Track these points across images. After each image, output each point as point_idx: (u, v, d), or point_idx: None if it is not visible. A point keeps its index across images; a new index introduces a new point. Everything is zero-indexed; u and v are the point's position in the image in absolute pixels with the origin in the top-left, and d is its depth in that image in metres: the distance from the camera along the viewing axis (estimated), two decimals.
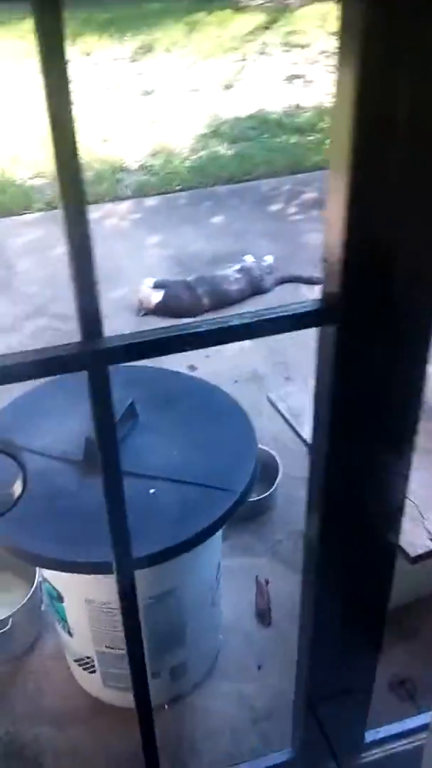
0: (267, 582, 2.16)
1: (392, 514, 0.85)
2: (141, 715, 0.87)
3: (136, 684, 0.84)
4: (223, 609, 1.95)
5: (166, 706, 1.84)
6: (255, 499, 2.33)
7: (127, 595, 0.77)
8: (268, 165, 4.98)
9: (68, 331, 3.51)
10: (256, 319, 0.57)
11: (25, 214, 4.64)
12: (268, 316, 0.58)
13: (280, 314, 0.59)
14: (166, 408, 1.67)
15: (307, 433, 1.81)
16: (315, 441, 0.76)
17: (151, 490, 1.45)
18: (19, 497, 0.59)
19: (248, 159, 5.07)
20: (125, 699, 1.80)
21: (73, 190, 0.49)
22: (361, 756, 1.02)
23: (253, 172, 4.93)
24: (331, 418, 0.72)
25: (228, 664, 1.95)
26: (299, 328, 0.63)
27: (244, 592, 2.14)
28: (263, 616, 2.07)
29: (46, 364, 0.56)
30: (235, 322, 0.57)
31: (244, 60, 6.86)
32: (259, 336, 0.62)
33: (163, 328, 0.60)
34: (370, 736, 1.03)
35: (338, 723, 1.02)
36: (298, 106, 5.89)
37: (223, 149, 5.30)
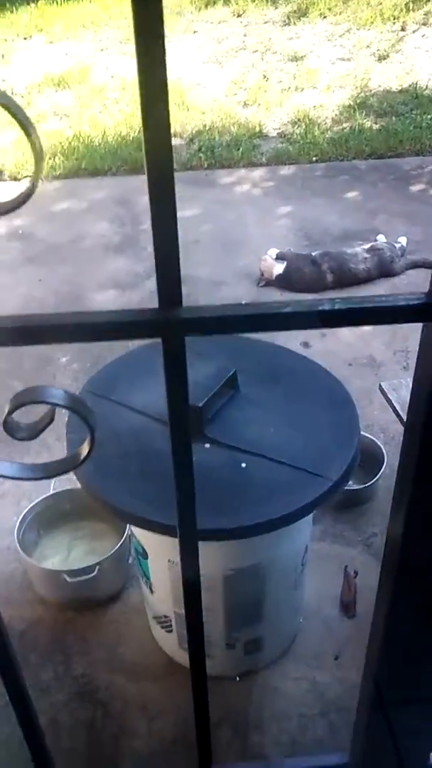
0: (356, 573, 2.11)
1: None
2: (195, 687, 0.86)
3: (193, 655, 0.83)
4: (307, 593, 1.93)
5: (237, 678, 1.84)
6: (355, 488, 2.28)
7: (191, 565, 0.75)
8: (414, 142, 4.76)
9: (186, 294, 3.54)
10: (348, 306, 0.52)
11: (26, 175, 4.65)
12: (362, 305, 0.53)
13: (377, 305, 0.53)
14: (269, 383, 1.64)
15: None
16: (408, 438, 0.70)
17: (243, 464, 1.43)
18: (85, 458, 0.58)
19: (394, 135, 4.86)
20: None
21: (160, 153, 0.46)
22: None
23: (397, 149, 4.73)
24: (425, 423, 0.66)
25: (305, 649, 1.92)
26: (398, 322, 0.57)
27: (331, 580, 2.09)
28: (348, 607, 2.02)
29: (120, 326, 0.54)
30: (326, 307, 0.52)
31: (403, 30, 6.54)
32: (351, 326, 0.56)
33: (247, 305, 0.57)
34: None
35: (406, 734, 0.97)
36: None
37: (369, 122, 5.11)
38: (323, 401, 1.58)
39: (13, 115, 0.44)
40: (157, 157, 0.47)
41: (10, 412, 0.54)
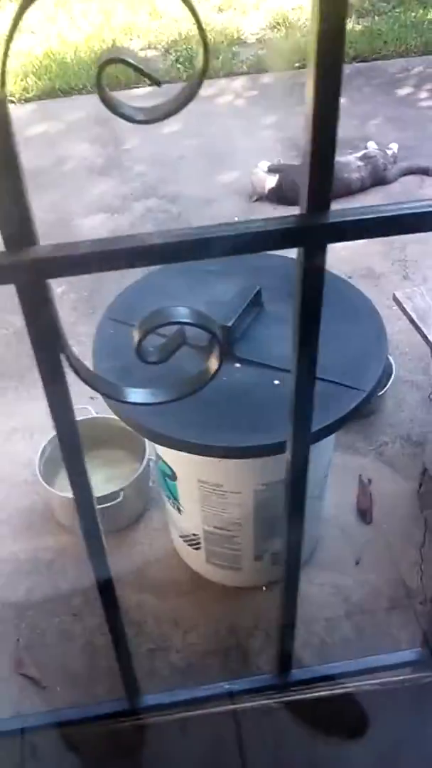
0: (370, 482, 2.15)
1: None
2: (287, 592, 0.87)
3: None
4: (325, 502, 1.96)
5: (263, 588, 1.90)
6: None
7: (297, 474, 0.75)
8: (399, 43, 4.58)
9: (178, 213, 3.46)
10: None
11: (135, 88, 4.48)
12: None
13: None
14: (293, 299, 1.61)
15: None
16: None
17: (276, 381, 1.43)
18: (216, 372, 0.57)
19: (378, 35, 4.68)
20: (226, 576, 1.87)
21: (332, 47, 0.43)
22: None
23: (382, 51, 4.56)
24: None
25: (326, 556, 1.98)
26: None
27: (347, 489, 2.13)
28: (365, 514, 2.07)
29: (265, 236, 0.51)
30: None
31: None
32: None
33: (392, 205, 0.53)
34: None
35: None
36: None
37: (350, 23, 4.89)
38: (348, 313, 1.56)
39: None
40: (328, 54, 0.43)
41: (141, 339, 0.52)
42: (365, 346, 1.49)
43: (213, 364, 0.57)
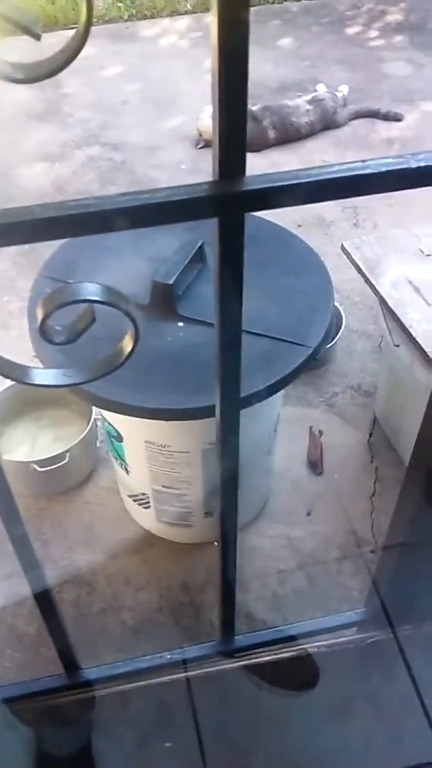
0: (320, 433, 2.14)
1: None
2: (224, 553, 0.85)
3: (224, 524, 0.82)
4: (275, 456, 1.96)
5: (215, 543, 1.89)
6: None
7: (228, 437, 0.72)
8: None
9: (121, 161, 3.34)
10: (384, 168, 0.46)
11: (74, 27, 4.25)
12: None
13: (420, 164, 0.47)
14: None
15: (382, 285, 1.69)
16: None
17: None
18: (129, 354, 0.53)
19: None
20: (177, 534, 1.86)
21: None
22: None
23: None
24: None
25: (277, 508, 1.98)
26: None
27: (297, 441, 2.13)
28: (315, 465, 2.07)
29: (175, 206, 0.47)
30: (414, 164, 0.45)
31: None
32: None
33: (314, 169, 0.49)
34: None
35: (416, 585, 1.00)
36: None
37: None
38: (294, 267, 1.52)
39: None
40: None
41: (45, 318, 0.47)
42: (311, 301, 1.45)
43: (127, 344, 0.53)
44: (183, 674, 0.93)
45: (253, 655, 0.94)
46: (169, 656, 0.99)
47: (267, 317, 1.42)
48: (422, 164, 0.45)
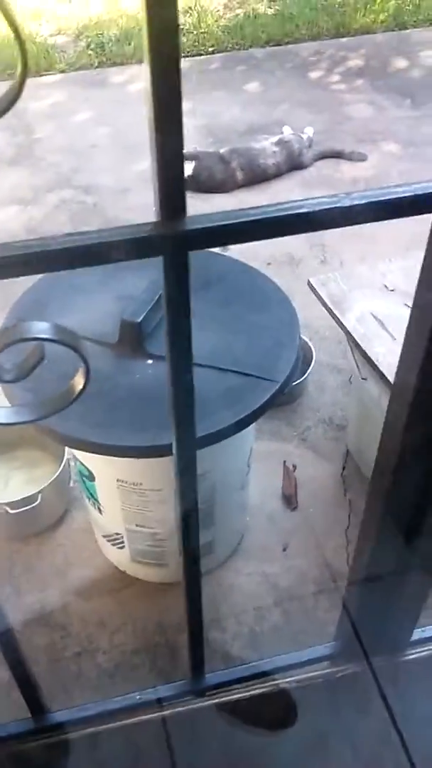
0: (294, 467, 2.15)
1: None
2: (189, 591, 0.85)
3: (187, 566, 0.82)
4: (249, 491, 1.96)
5: None
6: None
7: (186, 472, 0.72)
8: (310, 26, 4.60)
9: (93, 204, 3.38)
10: (371, 200, 0.48)
11: (45, 75, 4.35)
12: (374, 199, 0.49)
13: (400, 195, 0.49)
14: (203, 291, 1.58)
15: (348, 320, 1.73)
16: (405, 349, 0.68)
17: None
18: (81, 392, 0.53)
19: (289, 19, 4.68)
20: (152, 573, 1.84)
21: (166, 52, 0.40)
22: (405, 653, 1.02)
23: (294, 34, 4.56)
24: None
25: (253, 544, 1.97)
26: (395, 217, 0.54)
27: (271, 476, 2.14)
28: (290, 499, 2.07)
29: (116, 246, 0.48)
30: (344, 203, 0.47)
31: None
32: (376, 221, 0.52)
33: (257, 208, 0.51)
34: (416, 634, 1.02)
35: (390, 616, 1.00)
36: None
37: (262, 7, 4.88)
38: (260, 303, 1.55)
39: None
40: (161, 35, 0.40)
41: None
42: (277, 337, 1.48)
43: (78, 381, 0.54)
44: (155, 714, 0.92)
45: (225, 693, 0.93)
46: (139, 696, 0.97)
47: (234, 353, 1.44)
48: (355, 203, 0.47)
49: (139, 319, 1.41)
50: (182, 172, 0.44)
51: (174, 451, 0.68)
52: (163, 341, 1.48)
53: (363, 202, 0.48)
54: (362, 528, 0.92)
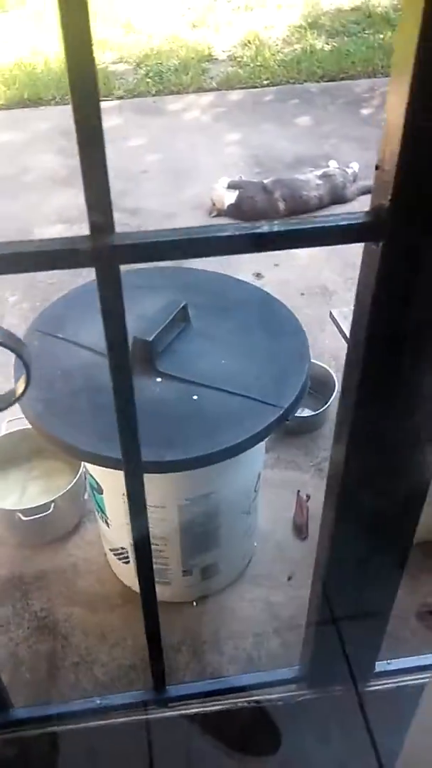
0: (308, 497, 2.15)
1: (426, 443, 0.81)
2: (146, 611, 0.88)
3: (141, 577, 0.84)
4: (261, 519, 1.97)
5: (194, 603, 1.89)
6: (307, 415, 2.31)
7: (135, 496, 0.75)
8: (366, 64, 4.65)
9: (137, 226, 3.47)
10: (287, 228, 0.52)
11: (103, 100, 4.48)
12: (299, 227, 0.52)
13: (315, 225, 0.53)
14: (220, 315, 1.62)
15: None
16: (349, 358, 0.71)
17: (194, 396, 1.43)
18: (21, 395, 0.57)
19: (346, 56, 4.75)
20: (156, 591, 1.86)
21: (82, 65, 0.44)
22: (369, 683, 1.02)
23: (350, 71, 4.62)
24: (367, 341, 0.66)
25: (259, 571, 1.98)
26: (339, 243, 0.57)
27: (284, 504, 2.14)
28: (300, 529, 2.07)
29: (50, 256, 0.52)
30: (264, 229, 0.51)
31: None
32: (291, 248, 0.56)
33: (178, 229, 0.55)
34: (380, 666, 1.03)
35: (351, 647, 1.01)
36: None
37: (320, 43, 4.96)
38: (274, 331, 1.58)
39: None
40: (79, 69, 0.44)
41: None
42: (287, 364, 1.50)
43: (20, 386, 0.58)
44: (111, 720, 0.94)
45: (185, 707, 0.95)
46: (99, 701, 1.00)
47: (243, 377, 1.47)
48: (265, 230, 0.50)
49: (151, 338, 1.45)
50: (108, 193, 0.49)
51: (124, 466, 0.71)
52: (174, 361, 1.52)
53: (283, 229, 0.51)
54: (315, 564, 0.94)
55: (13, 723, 0.93)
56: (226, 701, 0.96)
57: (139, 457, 0.69)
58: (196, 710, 0.94)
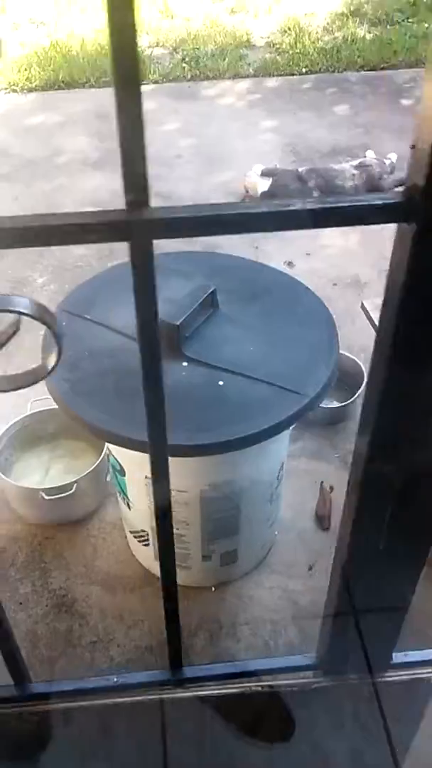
0: (331, 488, 2.14)
1: None
2: (165, 589, 0.87)
3: (163, 560, 0.84)
4: (283, 508, 1.96)
5: (213, 588, 1.89)
6: (335, 406, 2.29)
7: (160, 479, 0.74)
8: (409, 53, 4.57)
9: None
10: (319, 206, 0.50)
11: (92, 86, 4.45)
12: (335, 205, 0.51)
13: (349, 204, 0.51)
14: (250, 302, 1.61)
15: None
16: (378, 348, 0.70)
17: (220, 382, 1.42)
18: (52, 369, 0.57)
19: (388, 45, 4.67)
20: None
21: (124, 37, 0.43)
22: (385, 674, 1.01)
23: (391, 60, 4.55)
24: (397, 325, 0.65)
25: (279, 560, 1.97)
26: (372, 223, 0.55)
27: (307, 494, 2.13)
28: (322, 520, 2.06)
29: (84, 228, 0.52)
30: (297, 207, 0.50)
31: None
32: (324, 227, 0.54)
33: (214, 204, 0.54)
34: (398, 657, 1.01)
35: (369, 637, 1.00)
36: None
37: (362, 32, 4.89)
38: (303, 320, 1.56)
39: None
40: (121, 43, 0.43)
41: None
42: (315, 353, 1.48)
43: (51, 360, 0.57)
44: (127, 699, 0.94)
45: (198, 688, 0.94)
46: (116, 679, 1.00)
47: (269, 365, 1.45)
48: (299, 207, 0.49)
49: (178, 322, 1.44)
50: (145, 168, 0.47)
51: (149, 448, 0.70)
52: (201, 346, 1.51)
53: (317, 207, 0.49)
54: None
55: (31, 697, 0.93)
56: (241, 685, 0.96)
57: (164, 440, 0.68)
58: (212, 692, 0.94)
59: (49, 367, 0.57)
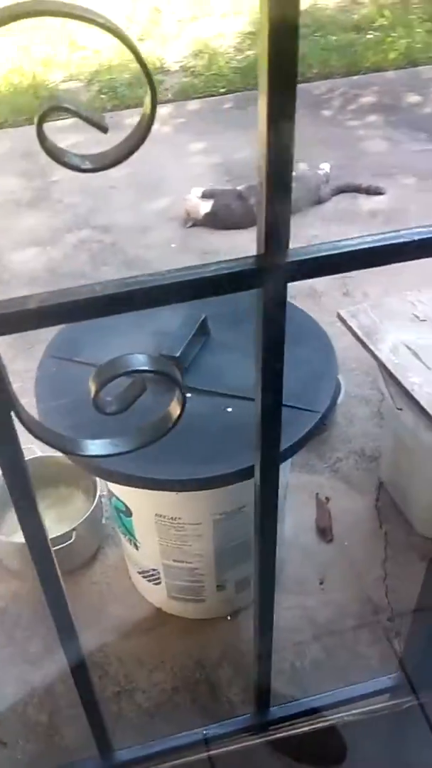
0: (327, 499, 2.14)
1: None
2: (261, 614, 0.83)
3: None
4: (285, 524, 1.94)
5: (228, 617, 1.85)
6: None
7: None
8: (321, 66, 4.69)
9: (112, 243, 3.43)
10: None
11: (59, 119, 4.40)
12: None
13: None
14: (239, 325, 1.59)
15: (381, 350, 1.73)
16: None
17: (228, 409, 1.40)
18: (177, 420, 0.54)
19: (301, 59, 4.76)
20: (189, 609, 1.82)
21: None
22: None
23: (306, 74, 4.65)
24: None
25: (289, 578, 1.95)
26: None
27: (304, 508, 2.12)
28: (324, 532, 2.05)
29: (222, 279, 0.49)
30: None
31: None
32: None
33: (353, 239, 0.52)
34: None
35: None
36: (354, 1, 5.50)
37: None
38: (295, 335, 1.54)
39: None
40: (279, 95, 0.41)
41: (98, 390, 0.49)
42: (315, 367, 1.48)
43: (175, 409, 0.54)
44: (215, 751, 0.89)
45: (286, 728, 0.91)
46: (205, 732, 0.96)
47: None
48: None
49: (178, 354, 1.42)
50: (288, 232, 0.46)
51: (257, 475, 0.68)
52: (201, 375, 1.49)
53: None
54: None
55: (119, 765, 0.88)
56: (330, 717, 0.93)
57: (277, 465, 0.66)
58: (304, 729, 0.91)
59: (174, 417, 0.55)
